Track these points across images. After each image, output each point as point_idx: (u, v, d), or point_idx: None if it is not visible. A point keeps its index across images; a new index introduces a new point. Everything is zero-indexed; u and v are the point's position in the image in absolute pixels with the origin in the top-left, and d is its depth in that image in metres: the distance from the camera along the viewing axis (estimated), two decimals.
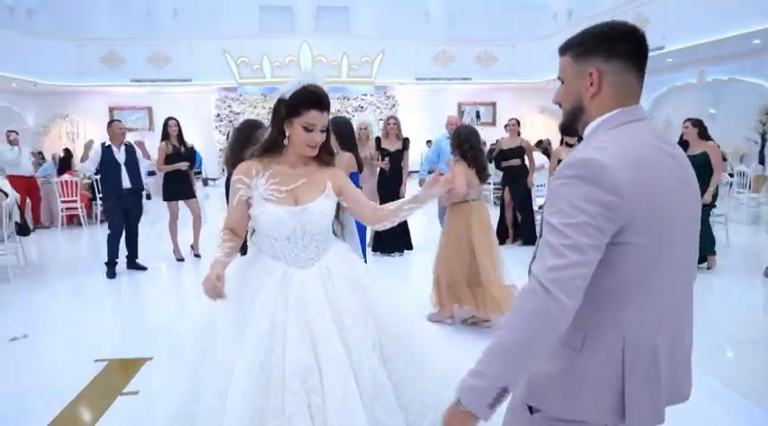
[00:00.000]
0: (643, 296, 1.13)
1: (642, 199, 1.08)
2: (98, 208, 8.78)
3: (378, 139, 6.57)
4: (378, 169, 6.22)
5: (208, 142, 15.90)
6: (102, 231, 6.25)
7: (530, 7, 17.14)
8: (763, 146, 11.15)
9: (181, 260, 6.03)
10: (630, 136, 1.17)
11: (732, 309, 4.38)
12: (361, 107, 16.44)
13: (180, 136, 5.88)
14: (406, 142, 6.48)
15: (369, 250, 6.54)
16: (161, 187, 6.10)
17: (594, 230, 1.06)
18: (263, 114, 15.76)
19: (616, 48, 1.19)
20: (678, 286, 1.22)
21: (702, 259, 5.30)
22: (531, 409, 1.23)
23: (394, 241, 6.25)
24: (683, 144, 5.25)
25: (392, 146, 6.33)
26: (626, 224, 1.09)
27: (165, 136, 5.82)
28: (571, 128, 1.30)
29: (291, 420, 1.58)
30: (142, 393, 2.91)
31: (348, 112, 16.35)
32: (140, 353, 3.47)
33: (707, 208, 5.30)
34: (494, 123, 17.41)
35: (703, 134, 5.14)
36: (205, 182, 14.95)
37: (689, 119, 5.24)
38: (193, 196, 6.03)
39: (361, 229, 3.54)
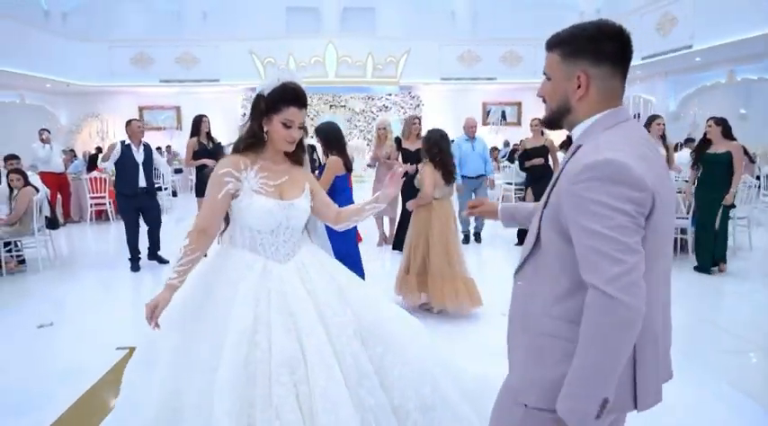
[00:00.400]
0: (650, 285, 1.11)
1: (655, 191, 1.12)
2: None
3: (398, 139, 6.60)
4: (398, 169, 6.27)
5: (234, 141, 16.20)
6: None
7: (556, 5, 16.94)
8: None
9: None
10: (629, 135, 1.21)
11: (751, 313, 4.28)
12: (386, 107, 16.49)
13: (209, 133, 6.03)
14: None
15: (386, 248, 6.62)
16: (192, 183, 6.28)
17: (636, 227, 1.09)
18: None
19: (603, 50, 1.22)
20: (668, 272, 1.24)
21: (714, 263, 5.18)
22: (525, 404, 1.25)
23: None
24: (706, 142, 5.14)
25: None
26: (647, 216, 1.12)
27: (195, 132, 5.97)
28: (555, 124, 1.34)
29: (279, 410, 1.61)
30: None
31: (373, 112, 16.46)
32: None
33: (726, 209, 5.18)
34: (519, 123, 17.30)
35: (727, 133, 5.02)
36: None
37: (712, 118, 5.12)
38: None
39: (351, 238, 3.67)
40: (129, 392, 1.88)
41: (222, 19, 16.64)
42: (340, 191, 3.65)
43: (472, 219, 7.05)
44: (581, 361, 1.09)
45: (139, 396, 1.81)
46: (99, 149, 11.92)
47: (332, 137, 3.79)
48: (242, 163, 1.90)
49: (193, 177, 8.61)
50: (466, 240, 6.79)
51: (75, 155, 11.67)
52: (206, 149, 5.97)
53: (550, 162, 6.52)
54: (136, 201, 5.63)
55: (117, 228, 8.62)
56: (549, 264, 1.25)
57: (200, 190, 6.09)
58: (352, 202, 2.81)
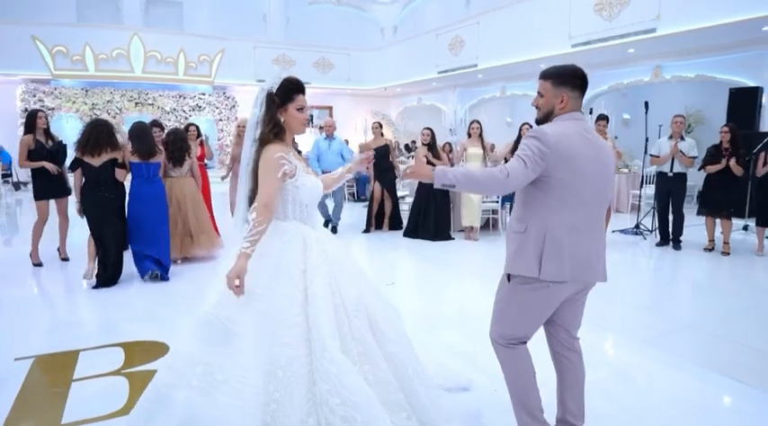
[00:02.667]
0: (562, 209, 2.07)
1: (561, 152, 2.04)
2: None
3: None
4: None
5: (12, 140, 13.86)
6: None
7: (362, 19, 18.49)
8: None
9: (38, 265, 5.59)
10: (568, 124, 2.13)
11: None
12: (199, 107, 15.97)
13: (47, 130, 5.48)
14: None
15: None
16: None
17: (533, 160, 2.02)
18: (85, 110, 14.41)
19: (576, 83, 2.16)
20: (587, 209, 2.13)
21: None
22: (509, 277, 2.18)
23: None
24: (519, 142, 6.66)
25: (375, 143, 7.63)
26: (551, 164, 2.04)
27: (31, 129, 5.38)
28: (544, 121, 2.23)
29: (361, 340, 2.11)
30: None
31: (184, 111, 15.78)
32: None
33: None
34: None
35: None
36: (17, 186, 13.07)
37: (526, 123, 6.71)
38: (68, 194, 5.62)
39: None
40: (218, 366, 1.96)
41: None
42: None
43: (330, 210, 7.69)
44: (474, 176, 2.08)
45: (236, 368, 1.94)
46: None
47: (141, 135, 4.99)
48: (285, 148, 2.22)
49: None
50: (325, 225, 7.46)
51: None
52: (44, 148, 5.44)
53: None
54: None
55: None
56: (522, 195, 2.19)
57: (38, 192, 5.47)
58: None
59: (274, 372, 1.96)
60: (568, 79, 2.15)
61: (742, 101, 8.71)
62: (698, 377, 3.14)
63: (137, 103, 15.12)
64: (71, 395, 2.86)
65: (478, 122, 7.23)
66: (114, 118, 14.87)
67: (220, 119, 16.30)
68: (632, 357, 3.48)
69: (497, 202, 7.79)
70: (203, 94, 16.04)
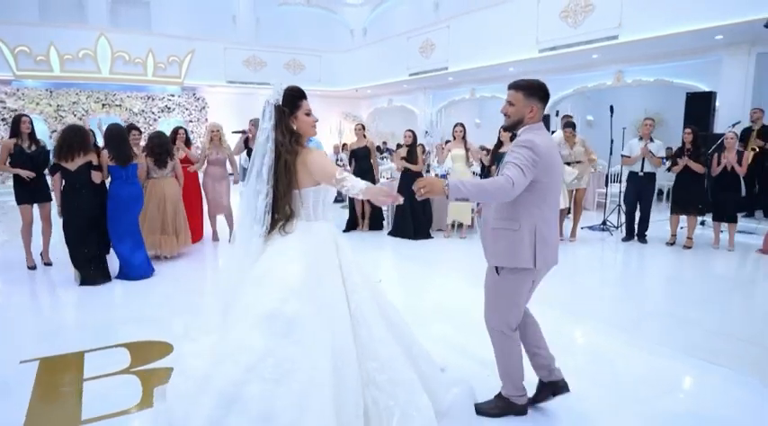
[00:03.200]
0: (543, 206, 2.44)
1: (546, 160, 2.35)
2: None
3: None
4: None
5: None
6: None
7: (331, 21, 18.60)
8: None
9: (33, 268, 5.59)
10: (542, 134, 2.42)
11: None
12: (168, 108, 15.77)
13: (32, 134, 5.44)
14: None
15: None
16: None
17: (529, 168, 2.27)
18: (50, 112, 14.06)
19: (542, 96, 2.46)
20: (555, 205, 2.50)
21: None
22: (497, 269, 2.47)
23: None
24: (500, 144, 6.81)
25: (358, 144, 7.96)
26: (540, 171, 2.33)
27: (15, 133, 5.33)
28: (513, 129, 2.54)
29: (367, 321, 2.33)
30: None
31: (153, 113, 15.57)
32: None
33: None
34: None
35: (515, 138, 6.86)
36: None
37: (503, 126, 6.98)
38: (49, 199, 5.59)
39: None
40: (288, 357, 2.07)
41: None
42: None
43: None
44: (482, 187, 2.27)
45: (304, 358, 2.08)
46: None
47: (116, 136, 5.25)
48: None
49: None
50: None
51: None
52: (23, 153, 5.39)
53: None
54: None
55: None
56: None
57: (19, 198, 5.43)
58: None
59: (335, 358, 2.13)
60: (537, 92, 2.46)
61: (697, 104, 9.27)
62: (670, 359, 3.45)
63: (104, 105, 14.82)
64: (85, 394, 2.95)
65: (462, 125, 7.47)
66: (80, 119, 14.55)
67: (190, 121, 16.12)
68: (609, 342, 3.78)
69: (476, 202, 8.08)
70: (172, 96, 15.84)
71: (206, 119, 16.33)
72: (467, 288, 5.04)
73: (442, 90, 15.68)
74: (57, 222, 5.31)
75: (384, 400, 2.23)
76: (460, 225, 7.54)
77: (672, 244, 6.91)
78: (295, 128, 2.41)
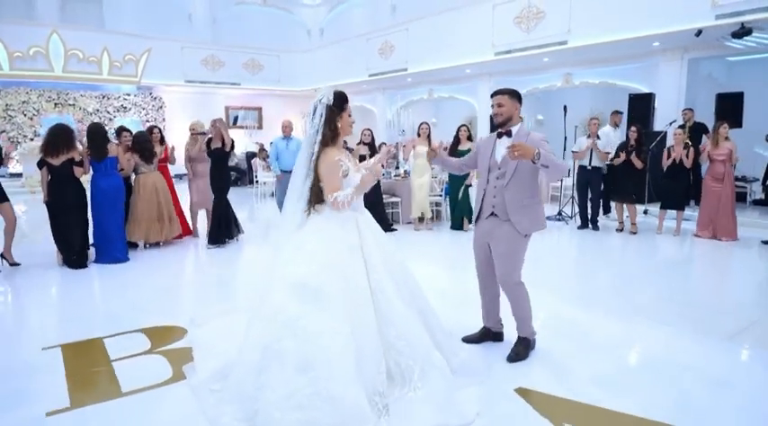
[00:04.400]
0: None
1: None
2: None
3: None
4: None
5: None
6: None
7: (288, 21, 18.71)
8: None
9: (14, 264, 5.62)
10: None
11: None
12: (124, 107, 15.49)
13: None
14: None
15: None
16: None
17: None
18: None
19: (520, 99, 3.07)
20: None
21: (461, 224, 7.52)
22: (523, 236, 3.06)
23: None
24: (457, 141, 7.39)
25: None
26: None
27: None
28: (503, 126, 3.06)
29: (386, 295, 2.70)
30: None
31: (109, 112, 15.26)
32: None
33: (467, 187, 7.65)
34: (261, 127, 18.48)
35: (470, 137, 7.40)
36: None
37: (463, 124, 7.50)
38: (6, 200, 5.57)
39: None
40: (316, 320, 2.44)
41: None
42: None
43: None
44: (557, 162, 2.91)
45: (330, 321, 2.45)
46: None
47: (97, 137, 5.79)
48: (340, 152, 2.75)
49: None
50: None
51: None
52: None
53: None
54: None
55: None
56: (524, 179, 3.04)
57: None
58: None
59: (354, 324, 2.50)
60: (517, 95, 3.14)
61: (639, 104, 10.16)
62: (623, 321, 4.02)
63: (56, 104, 14.41)
64: (118, 372, 3.18)
65: (427, 124, 7.93)
66: (31, 119, 14.11)
67: (147, 121, 15.88)
68: (568, 311, 4.33)
69: (441, 196, 8.59)
70: (128, 95, 15.57)
71: (163, 119, 16.15)
72: (439, 271, 5.51)
73: (400, 90, 16.16)
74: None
75: (404, 361, 2.66)
76: (422, 218, 7.98)
77: (620, 230, 7.65)
78: (339, 126, 2.79)
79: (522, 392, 2.86)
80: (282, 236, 2.78)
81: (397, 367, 2.66)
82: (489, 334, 3.55)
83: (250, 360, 2.49)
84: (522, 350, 3.29)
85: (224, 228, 6.81)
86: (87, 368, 3.27)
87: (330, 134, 2.75)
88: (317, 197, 2.75)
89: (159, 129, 7.20)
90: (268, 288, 2.69)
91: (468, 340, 3.51)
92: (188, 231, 7.33)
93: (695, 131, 8.82)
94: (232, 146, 6.74)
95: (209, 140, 6.86)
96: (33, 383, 3.06)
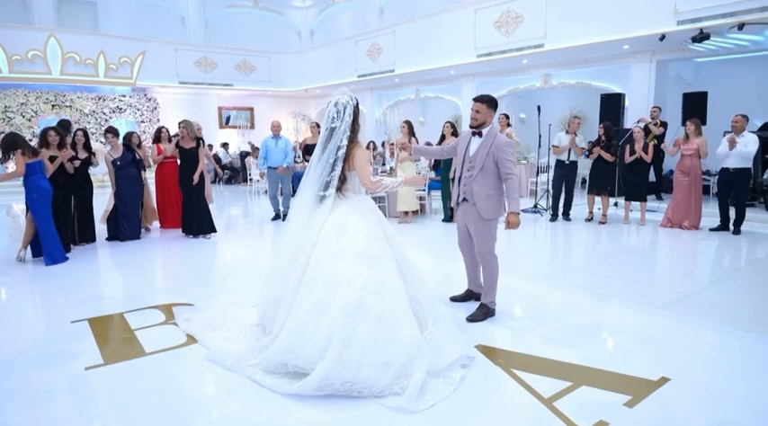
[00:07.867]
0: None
1: None
2: None
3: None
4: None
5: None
6: None
7: (279, 23, 19.21)
8: None
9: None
10: (501, 133, 3.57)
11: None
12: (120, 108, 15.91)
13: None
14: None
15: None
16: None
17: (513, 162, 3.47)
18: None
19: (495, 106, 3.65)
20: None
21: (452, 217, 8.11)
22: (487, 221, 3.66)
23: None
24: (444, 137, 7.94)
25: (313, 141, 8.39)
26: None
27: None
28: (477, 128, 3.63)
29: (406, 260, 3.32)
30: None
31: (105, 113, 15.67)
32: None
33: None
34: (253, 127, 18.95)
35: (455, 133, 7.92)
36: None
37: (449, 121, 8.06)
38: None
39: None
40: (379, 279, 2.99)
41: None
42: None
43: (281, 201, 8.64)
44: (517, 198, 3.68)
45: (390, 279, 3.04)
46: None
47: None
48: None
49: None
50: (276, 218, 8.48)
51: None
52: None
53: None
54: None
55: None
56: (489, 173, 3.60)
57: None
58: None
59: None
60: (493, 103, 3.75)
61: (610, 103, 10.81)
62: (576, 294, 4.61)
63: (53, 106, 14.82)
64: (140, 338, 3.72)
65: (407, 122, 8.47)
66: (29, 121, 14.51)
67: (142, 121, 16.33)
68: (529, 286, 4.92)
69: (424, 191, 9.16)
70: (123, 96, 16.00)
71: (158, 120, 16.59)
72: (426, 259, 6.08)
73: (388, 90, 16.73)
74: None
75: (422, 310, 3.32)
76: (406, 212, 8.54)
77: (589, 220, 8.28)
78: (360, 124, 3.34)
79: (481, 347, 3.44)
80: (301, 213, 3.29)
81: (415, 315, 3.25)
82: (472, 295, 4.26)
83: (330, 322, 2.91)
84: (480, 314, 3.91)
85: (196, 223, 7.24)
86: (114, 336, 3.80)
87: (356, 131, 3.28)
88: (341, 183, 3.27)
89: (167, 130, 7.91)
90: (323, 262, 3.09)
91: (455, 299, 4.27)
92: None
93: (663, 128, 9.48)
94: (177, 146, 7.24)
95: (179, 141, 7.19)
96: (69, 346, 3.59)
